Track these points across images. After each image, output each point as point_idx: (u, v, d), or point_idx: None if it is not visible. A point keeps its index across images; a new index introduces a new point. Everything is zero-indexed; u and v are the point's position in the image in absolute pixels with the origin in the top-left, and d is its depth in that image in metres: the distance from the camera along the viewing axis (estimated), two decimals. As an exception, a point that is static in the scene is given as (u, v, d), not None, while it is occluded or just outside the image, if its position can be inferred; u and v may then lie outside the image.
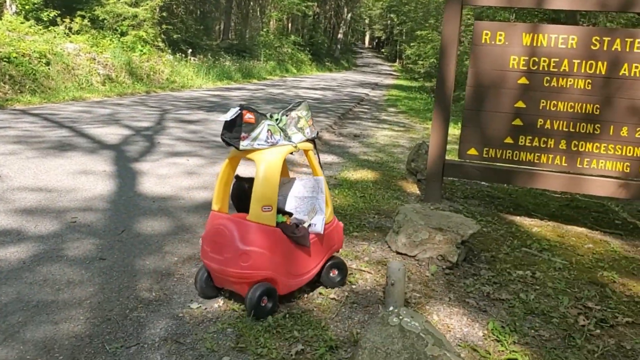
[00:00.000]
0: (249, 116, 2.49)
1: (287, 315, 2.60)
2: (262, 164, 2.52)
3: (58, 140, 6.31)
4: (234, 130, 2.49)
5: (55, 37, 13.36)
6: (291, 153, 2.69)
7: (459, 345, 2.47)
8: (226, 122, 2.50)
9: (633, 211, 5.13)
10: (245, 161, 5.41)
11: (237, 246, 2.48)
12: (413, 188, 5.39)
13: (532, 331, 2.64)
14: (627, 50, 4.11)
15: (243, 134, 2.49)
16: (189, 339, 2.37)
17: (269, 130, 2.56)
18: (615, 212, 5.05)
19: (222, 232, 2.53)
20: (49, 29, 13.93)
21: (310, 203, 2.78)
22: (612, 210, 5.11)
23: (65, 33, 14.32)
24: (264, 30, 31.52)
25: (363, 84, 24.06)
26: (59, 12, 15.12)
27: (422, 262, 3.39)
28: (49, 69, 11.40)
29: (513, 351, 2.43)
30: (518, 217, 4.61)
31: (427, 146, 4.96)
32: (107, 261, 3.13)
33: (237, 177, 2.82)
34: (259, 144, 2.54)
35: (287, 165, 5.76)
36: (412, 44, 26.84)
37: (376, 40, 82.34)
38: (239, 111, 2.48)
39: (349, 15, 50.34)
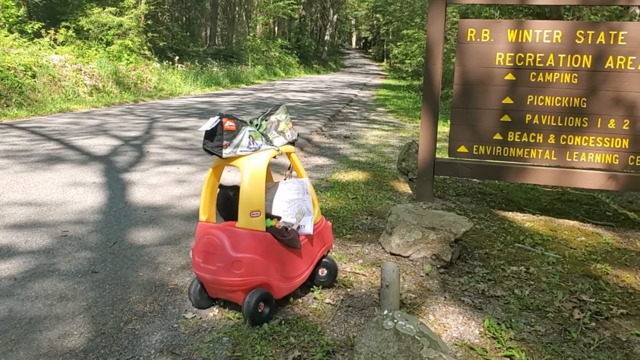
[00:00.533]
0: (229, 124, 2.49)
1: (283, 322, 2.59)
2: (247, 170, 2.52)
3: (46, 154, 6.27)
4: (215, 139, 2.49)
5: (40, 49, 13.29)
6: (274, 157, 2.69)
7: (456, 344, 2.47)
8: (207, 131, 2.50)
9: (623, 202, 5.17)
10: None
11: (229, 254, 2.47)
12: (405, 188, 5.40)
13: (528, 327, 2.65)
14: (611, 43, 4.14)
15: (225, 142, 2.49)
16: (185, 350, 2.36)
17: (250, 136, 2.56)
18: (606, 203, 5.08)
19: (212, 242, 2.52)
20: (34, 41, 13.85)
21: (297, 205, 2.77)
22: (603, 202, 5.14)
23: (50, 45, 14.23)
24: (251, 34, 31.51)
25: (351, 85, 24.08)
26: (43, 23, 15.03)
27: (417, 262, 3.39)
28: (35, 81, 11.32)
29: (510, 348, 2.43)
30: (510, 213, 4.63)
31: (417, 145, 4.96)
32: (99, 274, 3.10)
33: (221, 186, 2.81)
34: (241, 151, 2.54)
35: (279, 168, 5.77)
36: (398, 44, 26.97)
37: (363, 41, 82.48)
38: (219, 120, 2.48)
39: (335, 16, 50.44)
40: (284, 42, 34.42)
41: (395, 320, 1.85)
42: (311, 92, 18.74)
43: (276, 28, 37.87)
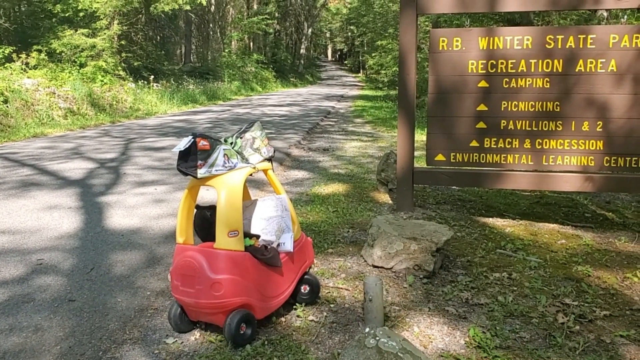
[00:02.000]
0: (203, 143, 2.44)
1: (266, 342, 2.54)
2: (223, 189, 2.47)
3: (20, 180, 6.14)
4: (189, 159, 2.44)
5: (12, 73, 13.11)
6: (251, 175, 2.65)
7: (442, 356, 2.44)
8: (181, 152, 2.45)
9: (601, 203, 5.22)
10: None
11: (207, 276, 2.42)
12: (385, 198, 5.39)
13: (513, 334, 2.64)
14: (581, 46, 4.20)
15: (199, 162, 2.44)
16: (166, 377, 2.30)
17: (225, 154, 2.52)
18: (584, 205, 5.13)
19: (190, 264, 2.47)
20: (5, 65, 13.67)
21: (276, 222, 2.74)
22: (581, 203, 5.19)
23: (22, 69, 14.06)
24: (226, 51, 31.49)
25: (329, 97, 24.16)
26: (14, 48, 14.85)
27: (399, 274, 3.37)
28: (7, 106, 11.14)
29: (496, 356, 2.42)
30: (490, 219, 4.64)
31: (396, 155, 4.96)
32: (76, 302, 3.02)
33: (198, 206, 2.77)
34: (217, 170, 2.49)
35: (258, 184, 5.72)
36: (373, 54, 27.20)
37: (339, 53, 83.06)
38: (192, 139, 2.44)
39: (310, 30, 50.74)
40: (260, 57, 34.46)
41: (378, 338, 1.82)
42: (289, 105, 18.74)
43: (251, 43, 37.93)
